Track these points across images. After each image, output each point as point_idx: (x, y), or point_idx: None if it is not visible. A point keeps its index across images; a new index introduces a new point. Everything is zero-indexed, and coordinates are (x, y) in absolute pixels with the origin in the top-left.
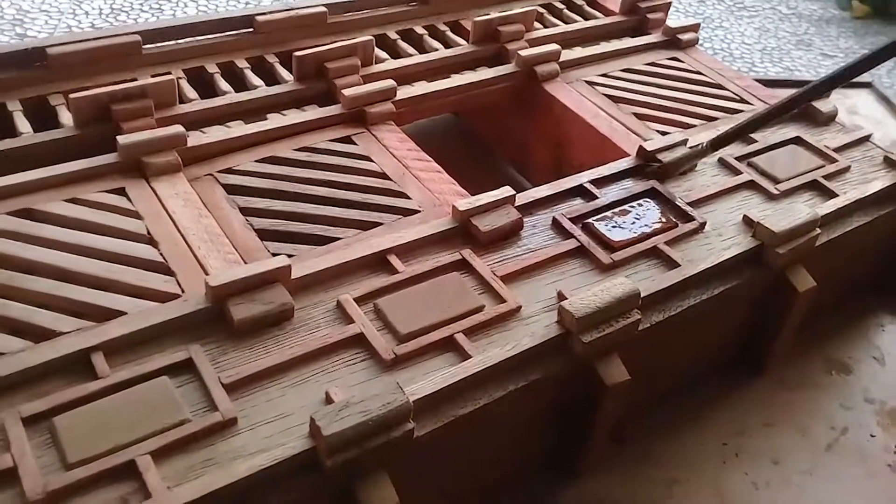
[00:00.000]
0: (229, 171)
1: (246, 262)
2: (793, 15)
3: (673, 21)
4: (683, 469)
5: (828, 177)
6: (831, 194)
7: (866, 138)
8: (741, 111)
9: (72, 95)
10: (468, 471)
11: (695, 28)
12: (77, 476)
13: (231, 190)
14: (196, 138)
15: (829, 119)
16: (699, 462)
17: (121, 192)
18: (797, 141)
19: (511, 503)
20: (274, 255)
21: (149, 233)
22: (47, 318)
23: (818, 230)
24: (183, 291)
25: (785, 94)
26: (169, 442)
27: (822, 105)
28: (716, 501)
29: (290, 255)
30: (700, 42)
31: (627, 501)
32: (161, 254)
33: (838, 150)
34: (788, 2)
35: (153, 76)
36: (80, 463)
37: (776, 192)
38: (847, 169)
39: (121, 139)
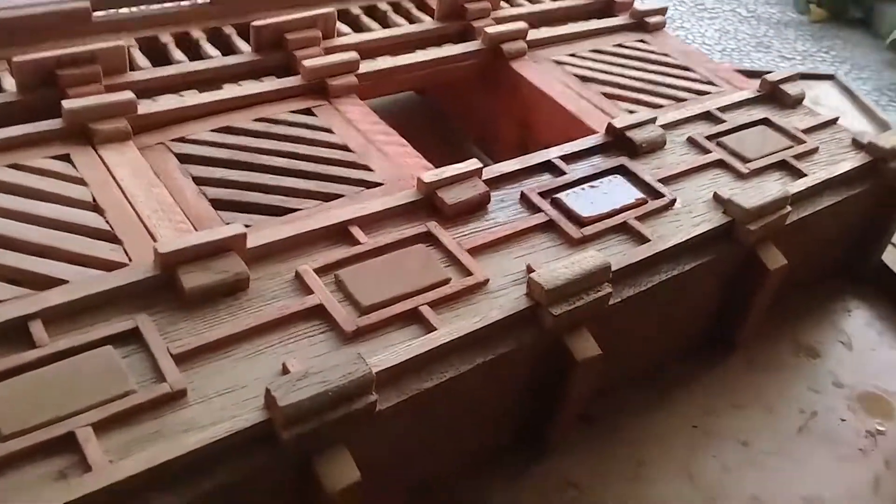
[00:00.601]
0: (182, 140)
1: (199, 232)
2: (752, 17)
3: (640, 4)
4: (652, 448)
5: (797, 157)
6: (800, 174)
7: (833, 121)
8: (708, 93)
9: (15, 59)
10: (432, 448)
11: (662, 12)
12: (10, 448)
13: (184, 159)
14: (147, 106)
15: (796, 102)
16: (668, 442)
17: (65, 158)
18: (765, 122)
19: (478, 481)
20: (228, 224)
21: (94, 200)
22: None
23: (789, 207)
24: (130, 260)
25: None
26: (112, 413)
27: (790, 88)
28: (685, 481)
29: (246, 226)
30: None
31: (596, 480)
32: (107, 221)
33: (806, 131)
34: (748, 5)
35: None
36: (14, 435)
37: (745, 170)
38: (815, 150)
39: (66, 104)
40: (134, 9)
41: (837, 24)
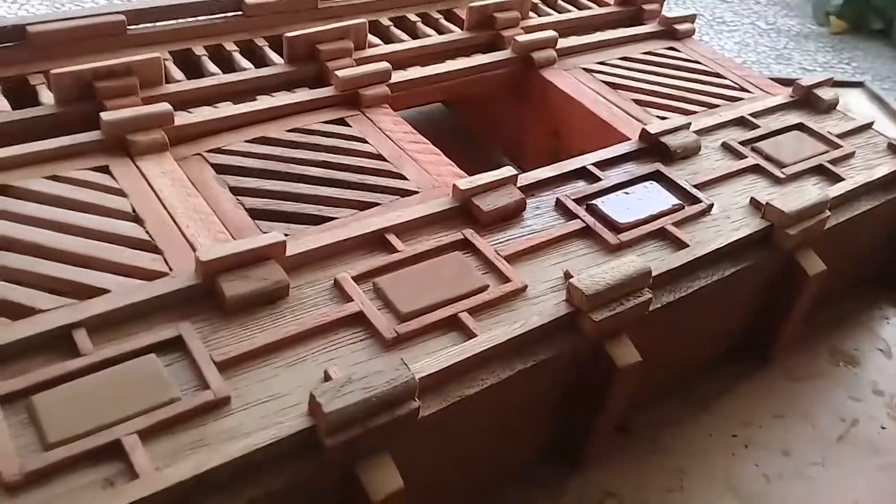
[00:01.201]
0: (218, 150)
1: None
2: (772, 30)
3: (669, 11)
4: (692, 460)
5: (833, 161)
6: (837, 178)
7: (868, 126)
8: (741, 98)
9: (53, 71)
10: (472, 456)
11: (691, 19)
12: (57, 456)
13: (220, 170)
14: (183, 118)
15: (830, 107)
16: (708, 453)
17: (104, 169)
18: (800, 127)
19: (515, 492)
20: (267, 233)
21: (134, 211)
22: (25, 295)
23: (828, 212)
24: (171, 269)
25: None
26: (157, 421)
27: (824, 93)
28: (727, 493)
29: (284, 235)
30: None
31: (635, 491)
32: (147, 232)
33: (841, 136)
34: (767, 17)
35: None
36: (61, 443)
37: (782, 175)
38: (851, 154)
39: (105, 116)
40: (168, 22)
41: (858, 35)
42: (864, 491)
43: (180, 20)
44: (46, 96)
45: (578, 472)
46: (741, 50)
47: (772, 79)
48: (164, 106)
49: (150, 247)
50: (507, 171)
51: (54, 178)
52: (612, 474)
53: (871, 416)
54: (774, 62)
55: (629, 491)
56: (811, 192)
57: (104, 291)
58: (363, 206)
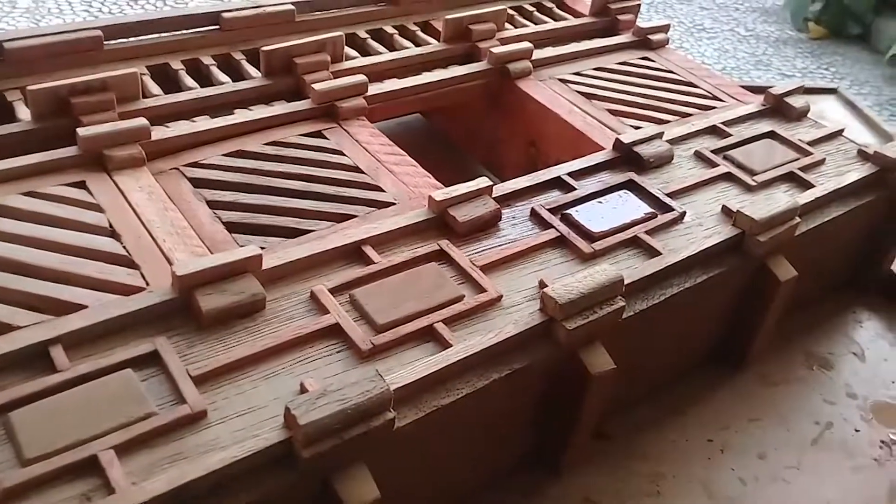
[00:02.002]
0: (195, 164)
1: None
2: (751, 36)
3: (643, 22)
4: (669, 464)
5: (804, 169)
6: (808, 185)
7: (839, 133)
8: (713, 107)
9: (29, 87)
10: (449, 466)
11: (665, 29)
12: (34, 473)
13: (198, 184)
14: (160, 132)
15: (801, 115)
16: (685, 457)
17: (81, 185)
18: (772, 135)
19: (495, 499)
20: (243, 247)
21: (111, 226)
22: (2, 312)
23: (798, 218)
24: (148, 284)
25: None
26: (134, 436)
27: (795, 101)
28: (703, 497)
29: (261, 248)
30: None
31: (613, 497)
32: (124, 246)
33: (812, 143)
34: (746, 23)
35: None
36: (38, 459)
37: (753, 183)
38: (822, 161)
39: (81, 131)
40: (145, 37)
41: (836, 40)
42: (838, 493)
43: (157, 35)
44: (23, 112)
45: (557, 479)
46: (721, 56)
47: (745, 87)
48: (141, 121)
49: (126, 261)
50: (483, 181)
51: (31, 193)
52: (591, 480)
53: (845, 418)
54: (754, 68)
55: (608, 496)
56: (781, 199)
57: (81, 307)
58: (340, 218)
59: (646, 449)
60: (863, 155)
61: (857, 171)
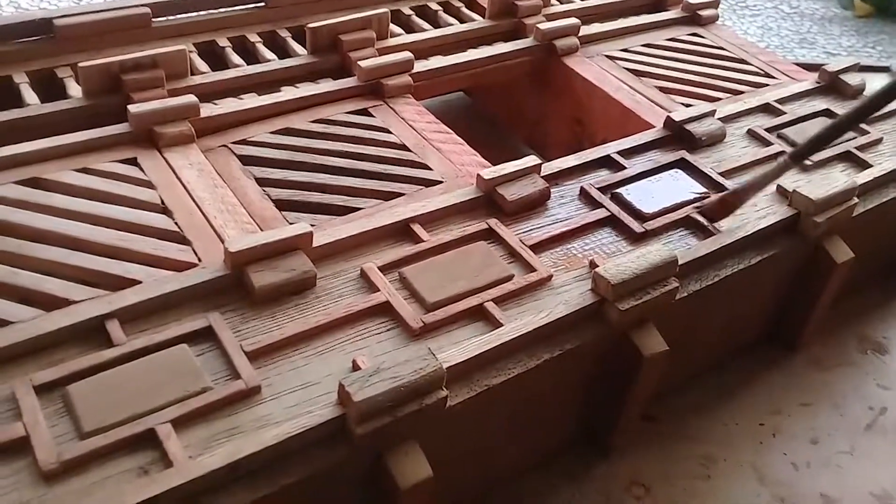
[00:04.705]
0: (244, 142)
1: (265, 231)
2: (795, 14)
3: None
4: (719, 447)
5: (860, 148)
6: (865, 165)
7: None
8: (766, 85)
9: (81, 64)
10: (498, 445)
11: (715, 4)
12: (93, 445)
13: (246, 161)
14: (209, 109)
15: (856, 92)
16: (736, 441)
17: (132, 161)
18: (827, 113)
19: (542, 480)
20: (293, 224)
21: (162, 202)
22: (58, 287)
23: (856, 199)
24: (200, 260)
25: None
26: (190, 410)
27: (850, 78)
28: (754, 481)
29: (310, 225)
30: None
31: (662, 479)
32: (176, 223)
33: (869, 122)
34: (790, 1)
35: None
36: (96, 432)
37: (809, 162)
38: (879, 140)
39: (132, 108)
40: (192, 14)
41: (883, 18)
42: (893, 479)
43: (204, 12)
44: (75, 89)
45: (605, 461)
46: (764, 34)
47: (797, 64)
48: (191, 98)
49: (178, 238)
50: (531, 160)
51: (84, 170)
52: (639, 462)
53: None
54: (798, 46)
55: (656, 479)
56: (838, 178)
57: (135, 282)
58: (388, 196)
59: (695, 432)
60: None
61: None
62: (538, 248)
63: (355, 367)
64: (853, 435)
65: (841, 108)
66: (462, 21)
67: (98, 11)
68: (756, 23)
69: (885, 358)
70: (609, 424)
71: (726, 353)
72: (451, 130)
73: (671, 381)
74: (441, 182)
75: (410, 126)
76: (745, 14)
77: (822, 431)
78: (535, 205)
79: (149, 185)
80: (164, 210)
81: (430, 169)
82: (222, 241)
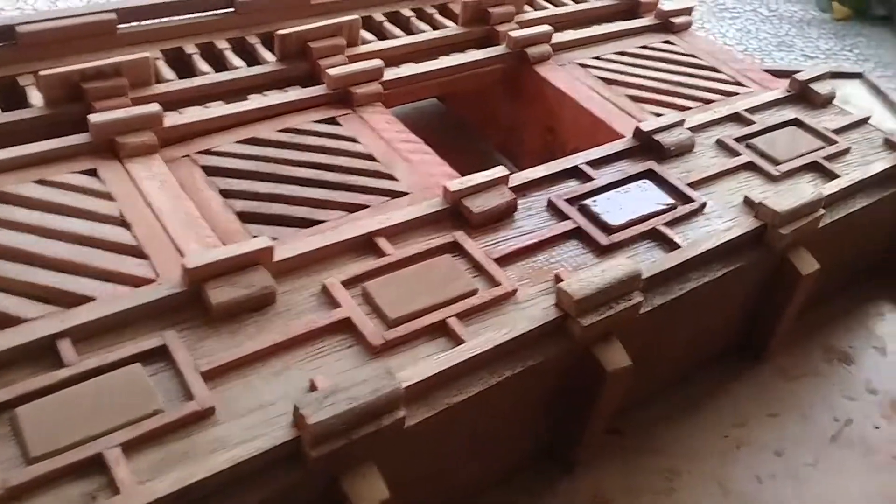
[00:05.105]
0: (208, 152)
1: (226, 245)
2: (774, 17)
3: (665, 4)
4: (684, 461)
5: (828, 158)
6: (833, 175)
7: (864, 121)
8: (737, 93)
9: (41, 72)
10: (460, 463)
11: (688, 11)
12: (39, 471)
13: (210, 171)
14: (173, 119)
15: (826, 101)
16: (700, 454)
17: (92, 173)
18: (796, 122)
19: (503, 497)
20: (255, 237)
21: (122, 215)
22: (11, 304)
23: (822, 210)
24: (158, 275)
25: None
26: (141, 433)
27: (820, 87)
28: (719, 494)
29: (272, 238)
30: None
31: (625, 493)
32: (134, 236)
33: (837, 131)
34: (769, 3)
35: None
36: (43, 457)
37: (776, 173)
38: (847, 150)
39: (93, 118)
40: (159, 20)
41: (861, 21)
42: (856, 491)
43: (172, 18)
44: (36, 97)
45: (568, 476)
46: (743, 37)
47: (770, 71)
48: (154, 107)
49: (136, 252)
50: (499, 171)
51: (42, 182)
52: (603, 476)
53: (865, 414)
54: (776, 49)
55: (620, 493)
56: (805, 190)
57: (90, 299)
58: (353, 208)
59: (660, 445)
60: (889, 144)
61: (883, 161)
62: (504, 261)
63: (313, 387)
64: (818, 447)
65: (810, 118)
66: (435, 28)
67: (62, 18)
68: (735, 25)
69: (851, 368)
70: (572, 440)
71: (693, 366)
72: (420, 140)
73: (637, 394)
74: (408, 194)
75: (379, 135)
76: (724, 17)
77: (787, 443)
78: (502, 217)
79: (108, 197)
80: (122, 223)
81: (397, 180)
82: (182, 255)
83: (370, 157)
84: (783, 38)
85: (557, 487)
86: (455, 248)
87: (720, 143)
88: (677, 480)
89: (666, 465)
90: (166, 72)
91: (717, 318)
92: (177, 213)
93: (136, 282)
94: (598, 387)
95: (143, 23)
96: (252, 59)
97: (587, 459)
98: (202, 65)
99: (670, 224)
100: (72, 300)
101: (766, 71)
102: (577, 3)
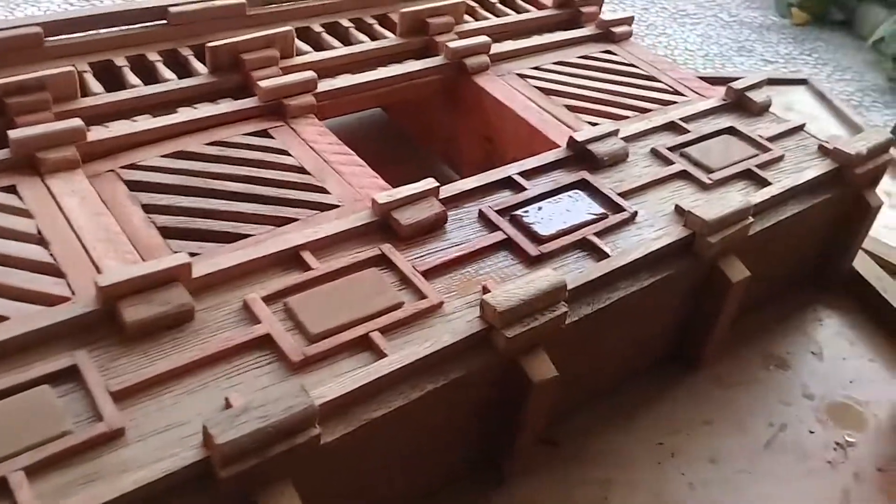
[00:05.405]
0: (133, 166)
1: (145, 262)
2: (734, 22)
3: (607, 14)
4: (618, 470)
5: (761, 166)
6: (765, 183)
7: (800, 128)
8: (674, 102)
9: None
10: (384, 479)
11: (628, 21)
12: None
13: (134, 186)
14: (98, 133)
15: (762, 109)
16: (634, 463)
17: (11, 189)
18: (731, 131)
19: None
20: (177, 252)
21: (39, 233)
22: None
23: (751, 219)
24: (74, 294)
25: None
26: (46, 456)
27: (756, 95)
28: (652, 502)
29: (194, 254)
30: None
31: None
32: (51, 254)
33: (772, 139)
34: (730, 9)
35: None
36: None
37: (709, 181)
38: (781, 158)
39: (12, 133)
40: (88, 33)
41: (819, 26)
42: (790, 497)
43: (101, 30)
44: None
45: (501, 488)
46: (704, 42)
47: (708, 80)
48: (76, 121)
49: (53, 270)
50: (429, 182)
51: None
52: (537, 487)
53: (800, 419)
54: (737, 54)
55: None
56: (734, 198)
57: (3, 319)
58: (281, 221)
59: (594, 455)
60: (823, 150)
61: (815, 168)
62: (432, 273)
63: (228, 406)
64: (752, 453)
65: (746, 126)
66: (374, 38)
67: None
68: (696, 31)
69: (788, 373)
70: (504, 451)
71: (628, 375)
72: (352, 152)
73: (569, 404)
74: (338, 206)
75: (311, 148)
76: (685, 23)
77: (721, 450)
78: (432, 228)
79: (26, 214)
80: (40, 241)
81: (328, 193)
82: (99, 273)
83: (301, 170)
84: (743, 44)
85: (492, 499)
86: (382, 261)
87: (654, 153)
88: (610, 489)
89: (600, 475)
90: (94, 85)
91: (650, 327)
92: (97, 229)
93: (52, 301)
94: (525, 398)
95: (72, 36)
96: (185, 71)
97: (521, 471)
98: (132, 78)
99: (601, 234)
100: None
101: (705, 79)
102: (517, 13)
